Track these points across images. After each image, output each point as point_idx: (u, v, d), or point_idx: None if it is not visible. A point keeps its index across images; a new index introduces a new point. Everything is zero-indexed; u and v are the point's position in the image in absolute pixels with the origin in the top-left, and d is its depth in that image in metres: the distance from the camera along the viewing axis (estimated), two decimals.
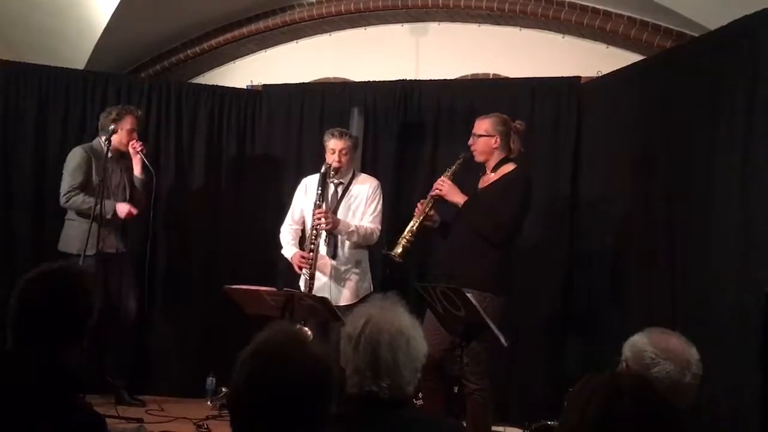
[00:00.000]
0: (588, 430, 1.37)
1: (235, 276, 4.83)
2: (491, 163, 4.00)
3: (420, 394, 4.05)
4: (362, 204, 4.41)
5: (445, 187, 3.99)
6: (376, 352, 1.93)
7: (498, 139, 3.96)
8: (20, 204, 5.20)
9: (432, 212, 4.06)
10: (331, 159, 4.34)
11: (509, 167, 3.97)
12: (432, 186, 4.10)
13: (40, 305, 1.94)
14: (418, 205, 4.08)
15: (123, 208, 4.67)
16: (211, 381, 5.03)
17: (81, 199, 4.64)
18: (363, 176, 4.54)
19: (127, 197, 4.82)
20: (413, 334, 2.00)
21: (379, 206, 4.44)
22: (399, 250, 4.01)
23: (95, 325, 4.83)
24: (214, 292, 4.76)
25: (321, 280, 4.35)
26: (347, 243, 4.38)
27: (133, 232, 5.00)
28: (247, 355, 1.58)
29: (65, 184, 4.71)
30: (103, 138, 4.74)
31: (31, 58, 5.45)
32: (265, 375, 1.54)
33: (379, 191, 4.47)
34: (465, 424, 3.66)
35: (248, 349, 1.59)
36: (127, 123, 4.75)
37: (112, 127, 4.66)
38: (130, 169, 4.84)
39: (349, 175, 4.46)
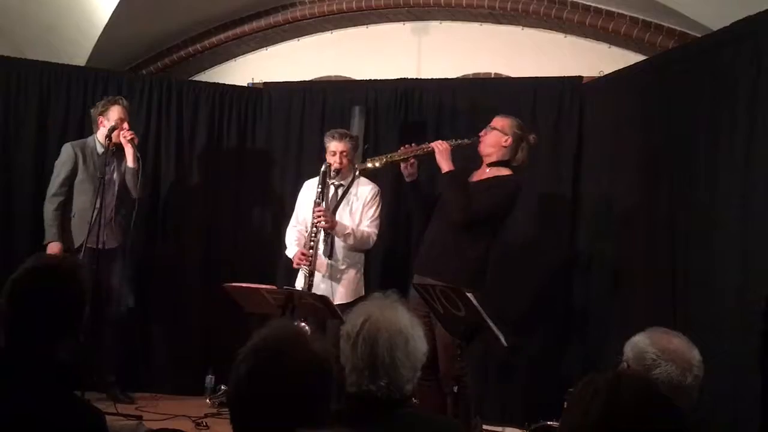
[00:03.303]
0: (590, 430, 1.36)
1: (235, 274, 4.83)
2: (490, 158, 4.01)
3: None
4: (361, 207, 4.40)
5: (442, 146, 3.97)
6: (374, 351, 1.92)
7: (510, 140, 3.97)
8: (20, 201, 5.19)
9: (413, 160, 4.05)
10: (332, 161, 4.35)
11: (505, 171, 3.99)
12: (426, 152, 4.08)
13: (32, 300, 1.91)
14: (405, 146, 4.10)
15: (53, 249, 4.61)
16: (210, 379, 5.03)
17: (50, 215, 4.63)
18: (364, 180, 4.52)
19: (115, 193, 4.74)
20: (412, 333, 1.99)
21: (378, 212, 4.43)
22: (368, 165, 4.10)
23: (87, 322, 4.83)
24: (213, 289, 4.76)
25: (317, 278, 4.34)
26: (344, 245, 4.39)
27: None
28: (247, 353, 1.57)
29: (50, 186, 4.71)
30: (99, 134, 4.72)
31: (31, 55, 5.46)
32: (265, 372, 1.53)
33: (378, 198, 4.46)
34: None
35: (248, 346, 1.59)
36: (114, 113, 4.68)
37: (113, 124, 4.63)
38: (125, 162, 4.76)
39: (350, 177, 4.46)
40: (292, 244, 4.51)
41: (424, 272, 3.95)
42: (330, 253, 4.36)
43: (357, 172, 4.34)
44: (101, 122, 4.72)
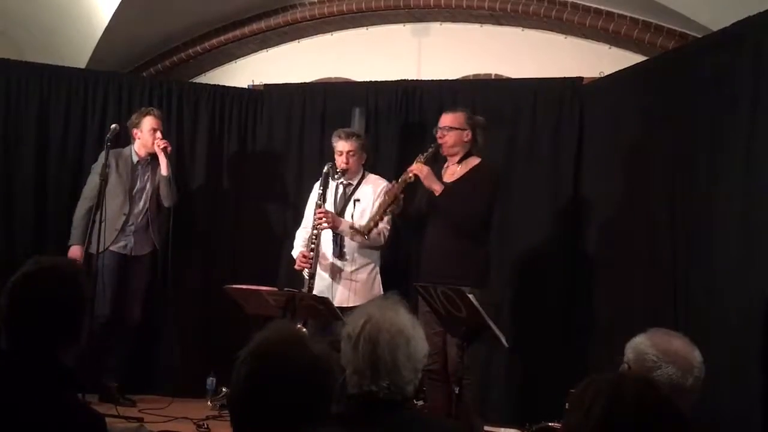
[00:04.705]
0: (592, 431, 1.36)
1: (235, 275, 4.83)
2: (457, 156, 4.07)
3: (421, 395, 4.04)
4: (370, 204, 4.35)
5: (424, 171, 4.00)
6: (375, 352, 1.92)
7: (469, 133, 4.06)
8: (21, 203, 5.19)
9: (402, 195, 4.09)
10: (339, 161, 4.33)
11: (475, 160, 4.08)
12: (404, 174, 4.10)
13: (33, 303, 1.90)
14: (388, 186, 4.15)
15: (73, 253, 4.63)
16: (211, 381, 5.01)
17: (77, 218, 4.72)
18: (372, 177, 4.49)
19: (147, 201, 4.87)
20: (413, 334, 1.99)
21: None
22: (369, 226, 4.10)
23: (103, 326, 4.86)
24: (214, 291, 4.76)
25: (326, 281, 4.32)
26: (355, 244, 4.33)
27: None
28: (247, 355, 1.57)
29: (84, 190, 4.80)
30: (135, 145, 4.85)
31: (32, 57, 5.45)
32: (265, 375, 1.53)
33: None
34: None
35: (248, 348, 1.59)
36: (147, 124, 4.80)
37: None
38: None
39: (358, 176, 4.44)
40: (299, 245, 4.49)
41: (431, 279, 3.93)
42: (340, 253, 4.33)
43: (365, 172, 4.33)
44: (135, 134, 4.85)
